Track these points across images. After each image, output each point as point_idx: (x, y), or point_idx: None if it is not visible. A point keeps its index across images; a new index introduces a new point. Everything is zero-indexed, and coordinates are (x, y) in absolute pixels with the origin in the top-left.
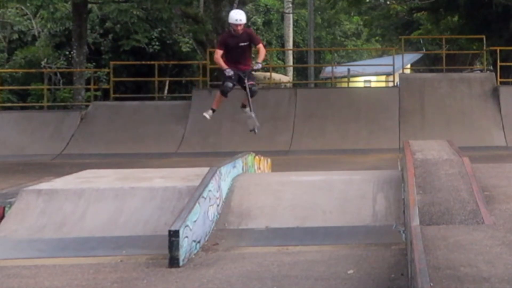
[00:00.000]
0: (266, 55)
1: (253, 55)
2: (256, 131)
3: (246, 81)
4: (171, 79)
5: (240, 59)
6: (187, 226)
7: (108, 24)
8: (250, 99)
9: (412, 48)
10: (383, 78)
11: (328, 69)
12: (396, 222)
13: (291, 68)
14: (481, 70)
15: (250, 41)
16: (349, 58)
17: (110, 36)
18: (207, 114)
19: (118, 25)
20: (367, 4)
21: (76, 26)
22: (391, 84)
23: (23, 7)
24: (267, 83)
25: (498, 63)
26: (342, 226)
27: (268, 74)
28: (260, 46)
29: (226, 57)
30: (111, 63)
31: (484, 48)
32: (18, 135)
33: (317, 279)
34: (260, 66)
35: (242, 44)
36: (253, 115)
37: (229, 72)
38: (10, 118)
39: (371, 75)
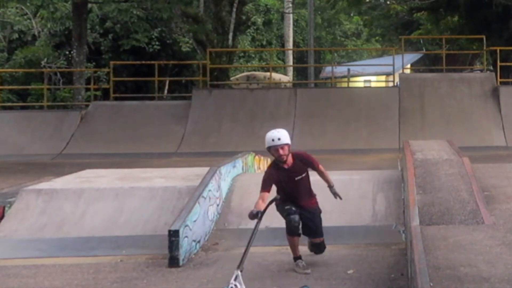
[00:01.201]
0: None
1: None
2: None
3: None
4: (171, 79)
5: (298, 196)
6: (187, 226)
7: (108, 23)
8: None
9: (412, 48)
10: (383, 78)
11: (328, 69)
12: (396, 222)
13: (291, 68)
14: (481, 70)
15: (306, 167)
16: (349, 58)
17: (110, 35)
18: (302, 268)
19: (118, 25)
20: (367, 4)
21: (76, 26)
22: (391, 84)
23: (23, 7)
24: (267, 83)
25: (498, 63)
26: (342, 226)
27: (268, 74)
28: (322, 168)
29: (281, 195)
30: (111, 62)
31: (484, 48)
32: (18, 134)
33: (317, 278)
34: (336, 192)
35: (298, 177)
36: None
37: (254, 210)
38: (10, 118)
39: (371, 75)
